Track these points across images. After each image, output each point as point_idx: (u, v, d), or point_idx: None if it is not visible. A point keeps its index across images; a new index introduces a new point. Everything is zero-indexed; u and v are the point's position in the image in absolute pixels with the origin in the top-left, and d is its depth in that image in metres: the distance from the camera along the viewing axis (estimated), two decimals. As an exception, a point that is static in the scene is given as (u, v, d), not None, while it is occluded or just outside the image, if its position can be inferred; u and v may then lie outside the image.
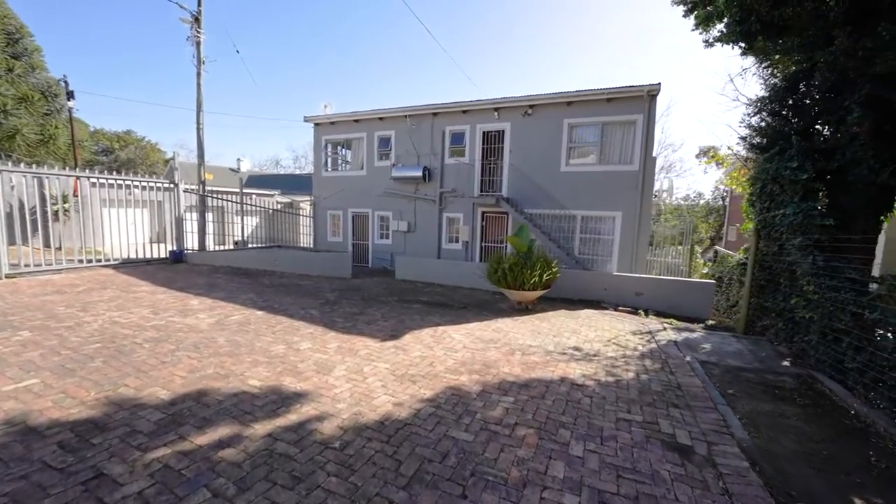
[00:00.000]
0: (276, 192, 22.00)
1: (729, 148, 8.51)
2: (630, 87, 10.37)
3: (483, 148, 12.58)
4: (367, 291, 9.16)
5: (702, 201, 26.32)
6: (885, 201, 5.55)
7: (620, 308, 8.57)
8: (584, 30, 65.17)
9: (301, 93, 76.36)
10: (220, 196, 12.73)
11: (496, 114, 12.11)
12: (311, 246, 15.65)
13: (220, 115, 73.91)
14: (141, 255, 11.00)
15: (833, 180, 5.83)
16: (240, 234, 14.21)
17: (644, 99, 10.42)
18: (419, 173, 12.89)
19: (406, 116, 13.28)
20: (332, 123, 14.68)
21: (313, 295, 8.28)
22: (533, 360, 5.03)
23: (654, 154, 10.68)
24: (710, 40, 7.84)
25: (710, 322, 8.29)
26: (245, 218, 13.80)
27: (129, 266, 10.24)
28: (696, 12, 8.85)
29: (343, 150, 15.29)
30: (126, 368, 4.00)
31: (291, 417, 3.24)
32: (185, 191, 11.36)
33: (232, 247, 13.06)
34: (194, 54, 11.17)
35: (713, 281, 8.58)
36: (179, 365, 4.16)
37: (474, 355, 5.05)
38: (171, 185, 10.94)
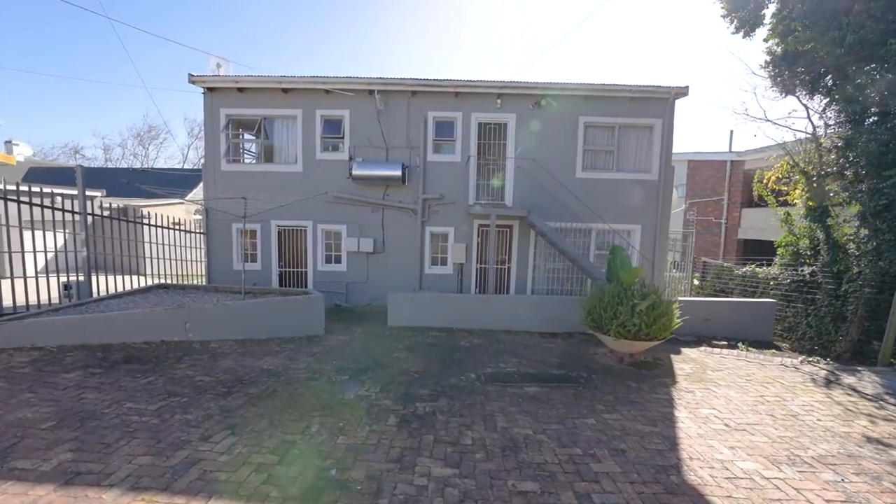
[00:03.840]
0: (100, 194, 14.24)
1: (804, 171, 8.08)
2: (656, 87, 9.34)
3: (479, 144, 9.87)
4: (404, 366, 5.53)
5: None
6: None
7: (715, 342, 7.28)
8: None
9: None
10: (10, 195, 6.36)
11: (498, 101, 9.57)
12: (207, 279, 10.02)
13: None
14: None
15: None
16: (36, 263, 7.74)
17: (668, 102, 9.54)
18: (396, 172, 9.31)
19: (371, 91, 9.45)
20: (241, 90, 9.54)
21: (339, 400, 4.31)
22: (954, 508, 2.93)
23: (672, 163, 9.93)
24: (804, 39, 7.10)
25: (784, 345, 7.77)
26: (32, 233, 7.14)
27: None
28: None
29: (259, 132, 10.23)
30: None
31: None
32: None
33: (66, 300, 6.79)
34: None
35: (774, 300, 8.09)
36: None
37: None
38: None
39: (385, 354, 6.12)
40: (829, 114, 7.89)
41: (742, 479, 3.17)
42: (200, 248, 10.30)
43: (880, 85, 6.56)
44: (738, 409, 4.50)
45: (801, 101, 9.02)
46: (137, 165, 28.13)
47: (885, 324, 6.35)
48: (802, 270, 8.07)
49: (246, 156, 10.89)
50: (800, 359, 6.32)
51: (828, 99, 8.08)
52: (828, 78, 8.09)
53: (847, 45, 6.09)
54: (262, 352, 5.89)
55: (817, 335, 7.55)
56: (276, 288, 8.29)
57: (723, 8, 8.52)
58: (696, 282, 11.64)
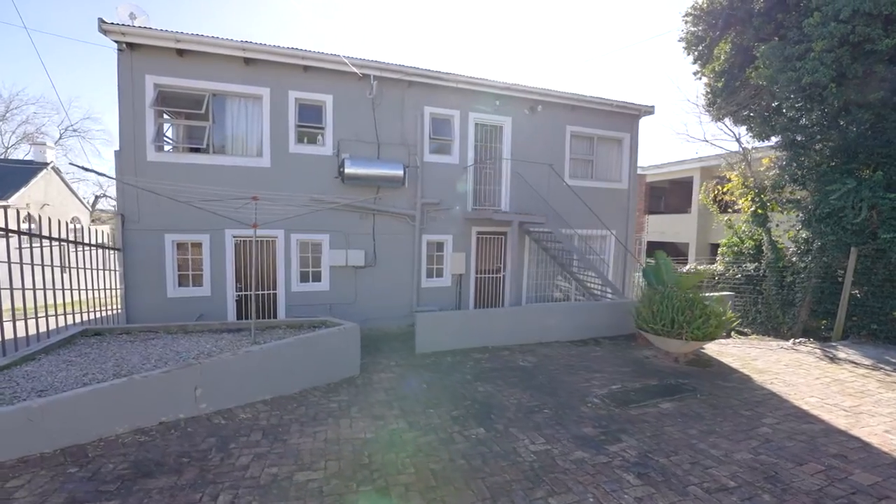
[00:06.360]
0: None
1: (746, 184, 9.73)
2: (630, 103, 10.20)
3: (476, 146, 9.27)
4: (511, 401, 4.70)
5: None
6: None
7: (715, 333, 8.17)
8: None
9: None
10: None
11: (497, 102, 9.16)
12: (122, 310, 6.94)
13: None
14: None
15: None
16: None
17: (636, 118, 10.53)
18: (398, 172, 8.05)
19: (361, 75, 7.96)
20: (182, 53, 6.96)
21: (527, 464, 3.35)
22: None
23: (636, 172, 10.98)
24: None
25: (746, 330, 9.23)
26: None
27: None
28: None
29: (207, 113, 7.63)
30: None
31: None
32: None
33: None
34: None
35: (731, 293, 9.57)
36: None
37: None
38: None
39: (465, 389, 5.09)
40: (759, 139, 9.72)
41: (949, 462, 3.44)
42: (100, 270, 7.14)
43: (812, 117, 8.37)
44: (824, 394, 5.02)
45: (728, 127, 11.02)
46: None
47: (828, 307, 8.07)
48: (747, 267, 9.78)
49: (167, 143, 8.10)
50: (791, 341, 7.57)
51: (746, 127, 10.05)
52: (747, 112, 10.03)
53: (804, 84, 7.57)
54: (321, 413, 4.23)
55: (767, 319, 9.20)
56: (281, 320, 6.19)
57: (684, 42, 9.88)
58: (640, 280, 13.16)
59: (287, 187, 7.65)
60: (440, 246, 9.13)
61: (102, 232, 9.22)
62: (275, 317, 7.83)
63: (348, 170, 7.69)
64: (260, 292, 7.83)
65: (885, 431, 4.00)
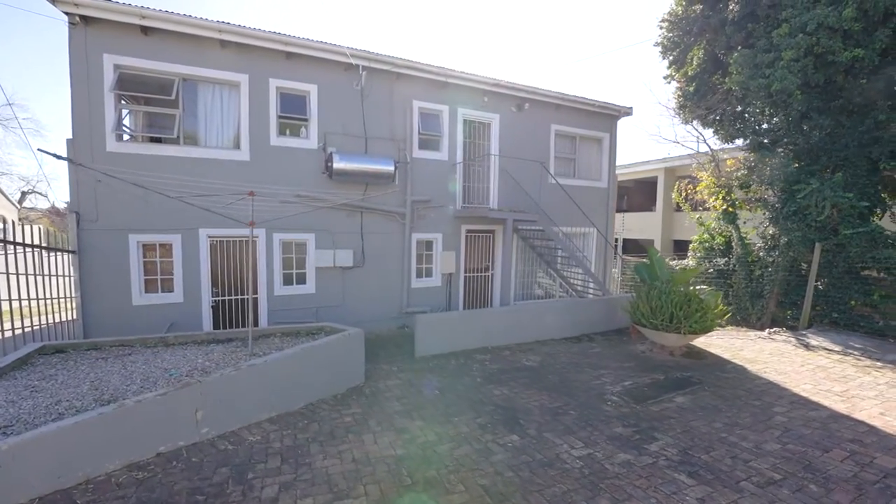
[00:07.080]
0: None
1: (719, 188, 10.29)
2: (610, 104, 10.44)
3: (465, 143, 9.08)
4: (532, 404, 4.61)
5: None
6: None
7: (697, 326, 8.53)
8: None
9: None
10: None
11: (485, 99, 9.02)
12: (82, 325, 6.05)
13: None
14: None
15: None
16: None
17: (615, 118, 10.80)
18: (389, 168, 7.67)
19: (348, 65, 7.50)
20: (147, 31, 6.17)
21: (578, 470, 3.23)
22: None
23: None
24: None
25: (720, 321, 9.75)
26: None
27: None
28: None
29: (177, 99, 6.83)
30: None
31: None
32: None
33: None
34: None
35: (706, 287, 10.08)
36: None
37: None
38: None
39: (481, 393, 4.91)
40: (725, 141, 10.31)
41: (946, 441, 3.72)
42: (48, 276, 6.18)
43: (774, 122, 8.98)
44: (814, 380, 5.34)
45: (696, 129, 11.60)
46: None
47: (794, 298, 8.68)
48: (718, 261, 10.35)
49: (127, 132, 7.21)
50: (767, 331, 8.06)
51: (713, 129, 10.64)
52: (713, 116, 10.60)
53: (773, 90, 8.07)
54: (337, 429, 3.87)
55: (737, 311, 9.78)
56: (276, 328, 5.62)
57: (660, 47, 10.26)
58: (617, 275, 13.61)
59: (269, 182, 7.06)
60: (430, 245, 8.87)
61: (39, 230, 8.07)
62: (257, 324, 7.22)
63: (337, 165, 7.22)
64: (240, 297, 7.18)
65: (881, 413, 4.29)
